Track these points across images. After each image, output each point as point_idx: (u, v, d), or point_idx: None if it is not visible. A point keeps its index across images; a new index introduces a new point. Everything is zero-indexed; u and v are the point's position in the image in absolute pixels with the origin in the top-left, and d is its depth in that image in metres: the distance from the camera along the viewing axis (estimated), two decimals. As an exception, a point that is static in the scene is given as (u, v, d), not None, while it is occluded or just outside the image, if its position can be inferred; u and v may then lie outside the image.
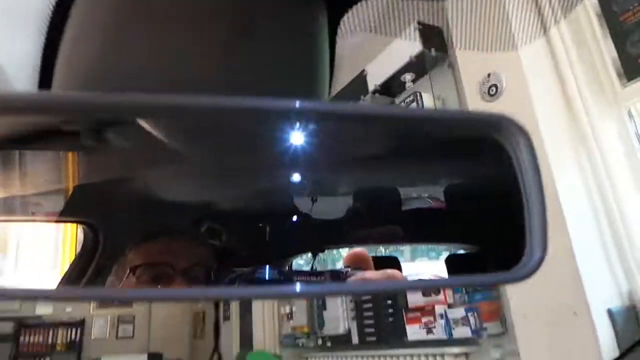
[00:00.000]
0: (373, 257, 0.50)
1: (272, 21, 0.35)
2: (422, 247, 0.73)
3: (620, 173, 1.87)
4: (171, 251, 0.52)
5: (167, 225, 0.58)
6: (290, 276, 0.42)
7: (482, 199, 0.51)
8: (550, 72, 2.02)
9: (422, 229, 0.67)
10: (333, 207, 0.63)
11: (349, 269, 0.40)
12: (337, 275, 0.40)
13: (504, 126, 0.30)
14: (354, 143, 0.45)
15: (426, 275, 0.65)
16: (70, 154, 0.44)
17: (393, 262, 0.75)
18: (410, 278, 0.55)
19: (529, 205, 0.30)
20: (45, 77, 0.37)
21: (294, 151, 0.36)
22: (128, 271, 0.50)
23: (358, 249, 0.42)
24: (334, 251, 0.74)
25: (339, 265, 0.47)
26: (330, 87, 0.44)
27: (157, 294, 0.35)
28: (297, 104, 0.28)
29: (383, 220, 0.61)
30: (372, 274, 0.40)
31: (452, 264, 0.67)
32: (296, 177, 0.48)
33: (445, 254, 0.74)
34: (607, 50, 2.06)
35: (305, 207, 0.63)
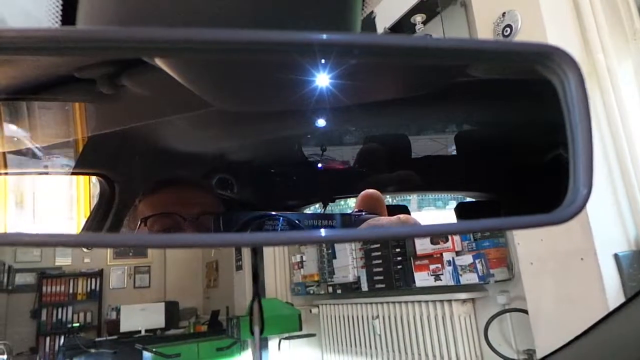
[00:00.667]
0: None
1: None
2: (430, 196, 0.73)
3: (634, 115, 1.83)
4: (180, 201, 0.52)
5: (176, 176, 0.58)
6: (297, 224, 0.42)
7: (509, 143, 0.49)
8: (568, 9, 1.93)
9: (434, 176, 0.67)
10: (342, 156, 0.63)
11: (363, 213, 0.39)
12: (349, 219, 0.40)
13: (553, 58, 0.29)
14: (376, 83, 0.43)
15: (459, 219, 0.64)
16: (80, 105, 0.43)
17: (403, 210, 0.75)
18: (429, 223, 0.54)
19: (574, 142, 0.29)
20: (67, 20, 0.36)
21: (317, 94, 0.34)
22: (139, 222, 0.51)
23: (371, 190, 0.40)
24: (342, 202, 0.74)
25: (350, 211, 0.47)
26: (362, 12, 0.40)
27: (175, 240, 0.35)
28: (324, 36, 0.26)
29: (394, 167, 0.60)
30: (386, 220, 0.40)
31: (462, 212, 0.67)
32: (315, 123, 0.47)
33: (452, 203, 0.74)
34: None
35: (315, 157, 0.63)
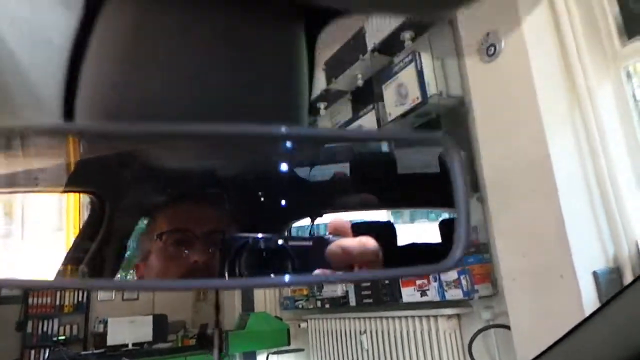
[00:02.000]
0: (364, 222, 0.55)
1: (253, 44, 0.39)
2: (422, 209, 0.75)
3: (614, 136, 1.89)
4: (192, 217, 0.55)
5: (186, 192, 0.60)
6: (282, 247, 0.46)
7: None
8: (550, 30, 2.00)
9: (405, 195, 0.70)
10: (329, 172, 0.66)
11: (331, 236, 0.45)
12: (321, 241, 0.45)
13: (443, 143, 0.39)
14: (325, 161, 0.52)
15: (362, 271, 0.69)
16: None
17: (386, 228, 0.78)
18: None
19: (458, 212, 0.37)
20: (69, 91, 0.41)
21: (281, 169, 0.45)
22: (155, 237, 0.54)
23: (336, 219, 0.47)
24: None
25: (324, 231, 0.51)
26: (310, 97, 0.47)
27: (155, 284, 0.42)
28: (283, 129, 0.36)
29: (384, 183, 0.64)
30: (348, 241, 0.44)
31: (444, 228, 0.70)
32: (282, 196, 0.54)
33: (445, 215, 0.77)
34: (610, 7, 2.04)
35: (303, 173, 0.66)
